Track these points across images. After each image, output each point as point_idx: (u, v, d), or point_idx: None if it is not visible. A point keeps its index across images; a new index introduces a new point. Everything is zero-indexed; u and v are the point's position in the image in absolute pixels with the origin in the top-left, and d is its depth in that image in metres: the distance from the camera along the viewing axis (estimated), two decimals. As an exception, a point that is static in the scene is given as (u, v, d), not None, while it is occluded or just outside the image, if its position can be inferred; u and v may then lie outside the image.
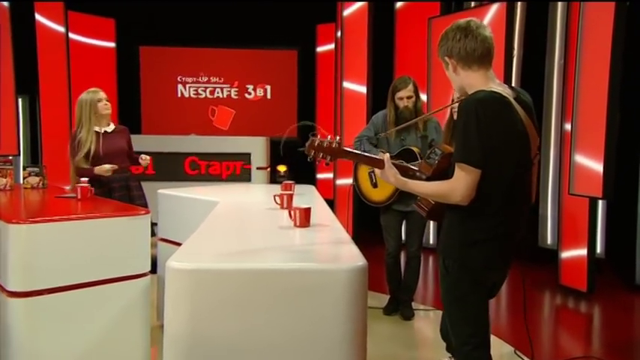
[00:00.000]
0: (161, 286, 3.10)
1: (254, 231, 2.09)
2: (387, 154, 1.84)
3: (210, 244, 1.81)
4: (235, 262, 1.53)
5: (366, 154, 1.95)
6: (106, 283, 2.31)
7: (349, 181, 3.61)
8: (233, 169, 5.55)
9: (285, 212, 2.37)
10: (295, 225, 2.06)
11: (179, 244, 2.30)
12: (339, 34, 5.97)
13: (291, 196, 2.54)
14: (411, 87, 3.30)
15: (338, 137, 1.82)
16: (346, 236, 1.93)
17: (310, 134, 1.84)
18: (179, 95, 7.13)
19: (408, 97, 3.29)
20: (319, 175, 6.60)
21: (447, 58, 1.72)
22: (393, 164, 1.82)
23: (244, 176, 5.53)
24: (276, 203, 2.55)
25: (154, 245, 2.84)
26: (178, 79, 7.13)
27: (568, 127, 4.13)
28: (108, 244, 2.32)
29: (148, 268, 2.47)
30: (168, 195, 3.32)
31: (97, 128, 3.39)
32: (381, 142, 3.40)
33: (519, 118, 1.62)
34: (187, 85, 7.15)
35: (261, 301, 1.45)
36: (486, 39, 1.67)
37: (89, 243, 2.27)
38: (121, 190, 3.43)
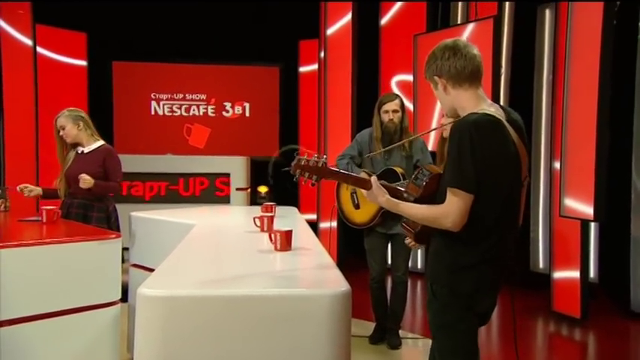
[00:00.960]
0: (132, 315, 3.04)
1: (232, 255, 2.08)
2: (374, 176, 1.87)
3: (184, 269, 1.79)
4: (211, 289, 1.51)
5: (352, 174, 1.97)
6: (73, 313, 2.27)
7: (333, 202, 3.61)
8: (211, 190, 5.53)
9: (266, 235, 2.36)
10: (276, 249, 2.05)
11: (153, 271, 2.28)
12: (322, 53, 6.05)
13: (271, 219, 2.54)
14: (397, 101, 3.37)
15: (325, 157, 1.85)
16: (329, 260, 1.93)
17: (295, 153, 1.86)
18: (153, 113, 7.12)
19: (394, 111, 3.34)
20: (302, 197, 6.60)
21: (436, 78, 1.75)
22: (392, 188, 1.85)
23: (223, 198, 5.51)
24: (256, 226, 2.54)
25: (125, 272, 2.80)
26: (152, 95, 7.13)
27: (558, 147, 4.21)
28: (75, 271, 2.28)
29: (119, 296, 2.44)
30: (141, 218, 3.29)
31: (79, 148, 3.35)
32: (365, 162, 3.43)
33: (512, 139, 1.66)
34: (162, 103, 7.15)
35: (239, 329, 1.44)
36: (475, 57, 1.72)
37: (55, 270, 2.23)
38: (77, 214, 3.29)
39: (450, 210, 1.61)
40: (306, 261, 1.98)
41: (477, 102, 1.71)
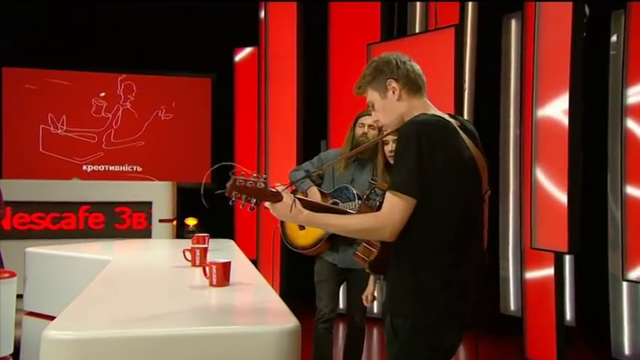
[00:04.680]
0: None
1: (158, 292, 2.07)
2: (282, 187, 1.86)
3: (99, 308, 1.77)
4: (132, 329, 1.51)
5: (298, 196, 1.97)
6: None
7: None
8: (128, 222, 5.43)
9: (199, 270, 2.35)
10: (211, 284, 2.06)
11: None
12: (262, 62, 6.14)
13: (205, 250, 2.54)
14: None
15: (265, 176, 1.85)
16: (274, 295, 1.95)
17: (230, 173, 1.86)
18: (54, 130, 6.95)
19: (369, 126, 3.34)
20: (239, 229, 6.58)
21: (392, 83, 1.85)
22: (323, 207, 1.88)
23: (143, 231, 5.41)
24: (187, 260, 2.53)
25: (17, 324, 2.70)
26: (53, 107, 6.95)
27: (527, 171, 4.42)
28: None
29: (10, 350, 2.36)
30: (41, 254, 3.20)
31: None
32: (325, 182, 3.45)
33: (465, 144, 1.77)
34: (66, 117, 6.98)
35: (167, 375, 1.43)
36: (422, 73, 1.90)
37: None
38: None
39: (390, 217, 1.67)
40: (247, 296, 2.00)
41: (427, 109, 1.85)
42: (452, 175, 1.70)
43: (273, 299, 1.89)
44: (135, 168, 7.11)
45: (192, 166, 7.14)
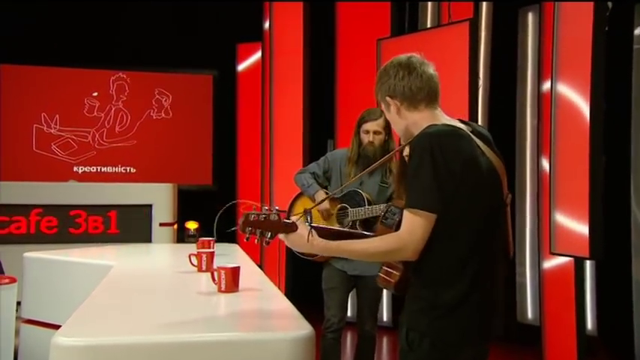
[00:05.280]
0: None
1: (165, 299, 2.11)
2: (296, 218, 1.91)
3: (108, 315, 1.81)
4: (144, 335, 1.55)
5: (314, 225, 1.98)
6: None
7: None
8: (128, 225, 5.46)
9: (205, 275, 2.40)
10: (220, 290, 2.10)
11: (56, 327, 2.25)
12: (266, 58, 6.17)
13: (211, 255, 2.58)
14: (381, 121, 3.39)
15: (276, 208, 1.89)
16: (286, 302, 1.99)
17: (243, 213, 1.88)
18: (49, 128, 7.00)
19: (376, 133, 3.40)
20: (241, 233, 6.61)
21: (388, 99, 1.89)
22: (340, 232, 1.90)
23: (142, 235, 5.44)
24: (193, 265, 2.57)
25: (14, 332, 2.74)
26: (49, 105, 6.99)
27: (546, 172, 4.44)
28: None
29: (10, 358, 2.39)
30: (39, 259, 3.25)
31: None
32: (333, 182, 3.49)
33: (481, 151, 1.78)
34: (62, 116, 7.04)
35: (180, 383, 1.47)
36: (432, 77, 1.88)
37: None
38: None
39: (411, 236, 1.69)
40: (258, 302, 2.04)
41: (435, 119, 1.84)
42: (470, 185, 1.72)
43: (284, 305, 1.94)
44: (128, 169, 7.14)
45: (193, 168, 7.18)
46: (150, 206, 5.49)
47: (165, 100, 7.26)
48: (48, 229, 5.39)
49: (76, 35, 6.76)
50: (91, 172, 7.06)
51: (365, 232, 1.98)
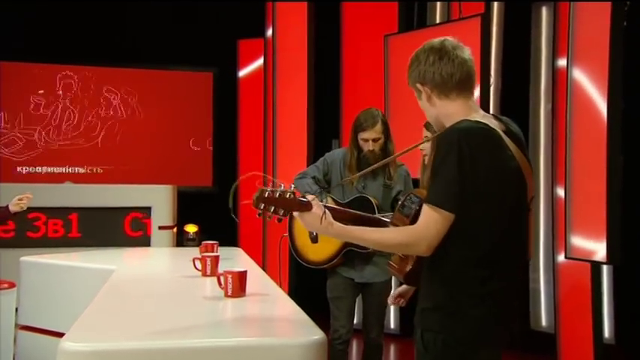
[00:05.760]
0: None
1: (172, 303, 2.14)
2: (314, 197, 1.92)
3: (114, 320, 1.84)
4: (155, 340, 1.57)
5: (331, 205, 2.00)
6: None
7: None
8: (126, 229, 5.49)
9: (209, 280, 2.43)
10: (226, 294, 2.13)
11: (56, 334, 2.28)
12: (269, 55, 6.19)
13: (216, 259, 2.61)
14: (379, 127, 3.40)
15: (292, 186, 1.91)
16: (294, 306, 2.02)
17: (258, 184, 1.90)
18: (45, 126, 7.04)
19: (375, 140, 3.40)
20: (243, 236, 6.63)
21: (419, 86, 1.89)
22: (355, 215, 1.93)
23: (141, 238, 5.47)
24: (197, 269, 2.60)
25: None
26: (43, 99, 7.03)
27: (561, 172, 4.44)
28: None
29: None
30: (38, 264, 3.26)
31: None
32: (334, 189, 3.50)
33: (511, 153, 1.80)
34: (58, 114, 7.08)
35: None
36: (465, 62, 1.86)
37: None
38: None
39: (427, 231, 1.72)
40: (267, 307, 2.07)
41: (467, 112, 1.85)
42: (494, 188, 1.74)
43: (294, 310, 1.96)
44: (95, 170, 7.15)
45: (192, 169, 7.21)
46: (149, 209, 5.52)
47: (114, 98, 7.24)
48: (54, 232, 5.45)
49: (69, 31, 6.78)
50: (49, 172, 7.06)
51: (382, 218, 2.01)
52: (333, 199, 3.42)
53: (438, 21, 5.73)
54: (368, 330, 3.52)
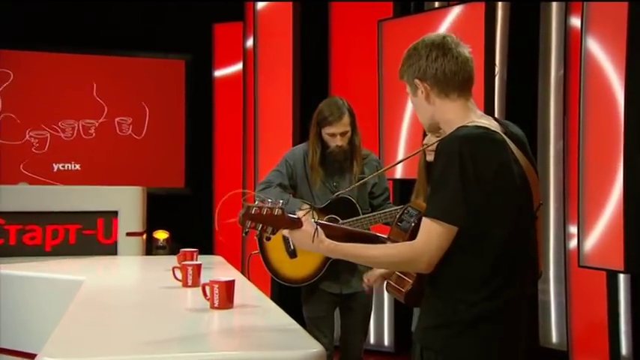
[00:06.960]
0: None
1: (152, 315, 2.18)
2: (304, 212, 1.96)
3: (92, 333, 1.88)
4: (141, 354, 1.62)
5: (321, 221, 2.03)
6: None
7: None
8: (90, 235, 5.47)
9: (191, 291, 2.48)
10: (213, 306, 2.18)
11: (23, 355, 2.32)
12: (249, 40, 6.22)
13: (198, 268, 2.65)
14: (346, 118, 3.35)
15: (281, 201, 1.95)
16: (287, 318, 2.08)
17: (243, 200, 1.94)
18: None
19: (343, 134, 3.36)
20: (219, 243, 6.63)
21: (417, 82, 1.94)
22: (349, 232, 1.97)
23: (106, 246, 5.45)
24: (177, 279, 2.64)
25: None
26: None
27: (573, 173, 4.51)
28: None
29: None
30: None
31: None
32: (302, 192, 3.46)
33: (515, 158, 1.86)
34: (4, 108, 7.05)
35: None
36: (468, 61, 1.94)
37: None
38: None
39: (427, 247, 1.77)
40: (258, 319, 2.12)
41: (466, 114, 1.91)
42: (499, 197, 1.78)
43: (286, 322, 2.02)
44: (75, 166, 7.16)
45: (161, 169, 7.18)
46: (115, 213, 5.49)
47: (132, 90, 7.23)
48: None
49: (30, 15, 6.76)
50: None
51: (378, 234, 2.06)
52: (306, 203, 3.28)
53: (437, 5, 5.78)
54: (348, 347, 3.51)
